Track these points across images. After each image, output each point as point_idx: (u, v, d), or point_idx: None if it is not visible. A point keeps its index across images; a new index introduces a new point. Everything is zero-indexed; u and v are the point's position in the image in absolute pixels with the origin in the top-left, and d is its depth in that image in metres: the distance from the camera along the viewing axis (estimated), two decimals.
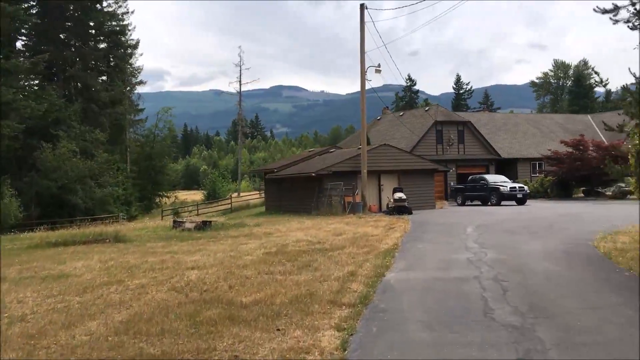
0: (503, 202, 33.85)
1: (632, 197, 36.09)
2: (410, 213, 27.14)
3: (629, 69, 11.79)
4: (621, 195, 36.45)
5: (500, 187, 33.77)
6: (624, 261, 11.20)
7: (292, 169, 34.85)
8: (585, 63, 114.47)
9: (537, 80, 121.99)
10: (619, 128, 12.95)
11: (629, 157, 34.59)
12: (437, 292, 9.22)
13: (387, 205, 28.70)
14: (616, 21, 11.47)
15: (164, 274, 11.67)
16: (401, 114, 47.07)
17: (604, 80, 13.42)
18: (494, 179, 35.64)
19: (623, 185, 40.73)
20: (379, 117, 50.11)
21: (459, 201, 36.86)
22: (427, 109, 44.31)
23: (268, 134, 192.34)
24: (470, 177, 37.11)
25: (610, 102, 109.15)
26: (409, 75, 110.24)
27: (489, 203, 34.50)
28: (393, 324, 7.35)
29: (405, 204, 27.54)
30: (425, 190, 32.02)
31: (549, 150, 41.08)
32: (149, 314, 8.06)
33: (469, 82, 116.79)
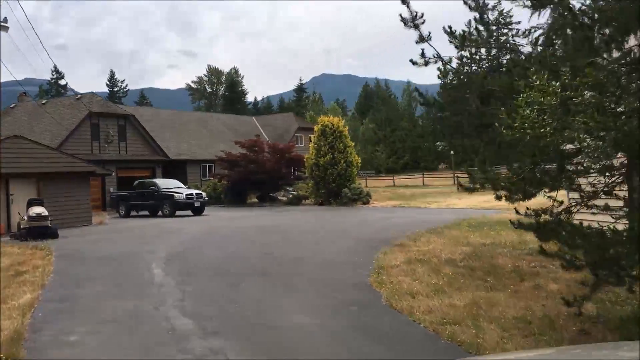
0: (178, 212, 27.02)
1: (307, 202, 33.46)
2: (56, 236, 17.98)
3: None
4: (297, 201, 33.46)
5: (175, 195, 26.79)
6: None
7: None
8: (236, 71, 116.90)
9: (193, 85, 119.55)
10: None
11: (305, 164, 31.06)
12: None
13: (19, 225, 18.82)
14: None
15: None
16: (44, 101, 35.99)
17: None
18: (166, 184, 28.46)
19: (290, 189, 38.36)
20: (13, 105, 37.74)
21: (122, 212, 28.55)
22: (78, 96, 34.49)
23: None
24: (137, 182, 29.14)
25: (259, 108, 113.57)
26: (55, 67, 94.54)
27: (160, 213, 27.27)
28: None
29: (48, 222, 18.15)
30: (79, 200, 22.88)
31: (222, 151, 35.95)
32: None
33: (124, 80, 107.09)
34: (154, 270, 11.37)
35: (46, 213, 18.17)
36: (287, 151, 34.76)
